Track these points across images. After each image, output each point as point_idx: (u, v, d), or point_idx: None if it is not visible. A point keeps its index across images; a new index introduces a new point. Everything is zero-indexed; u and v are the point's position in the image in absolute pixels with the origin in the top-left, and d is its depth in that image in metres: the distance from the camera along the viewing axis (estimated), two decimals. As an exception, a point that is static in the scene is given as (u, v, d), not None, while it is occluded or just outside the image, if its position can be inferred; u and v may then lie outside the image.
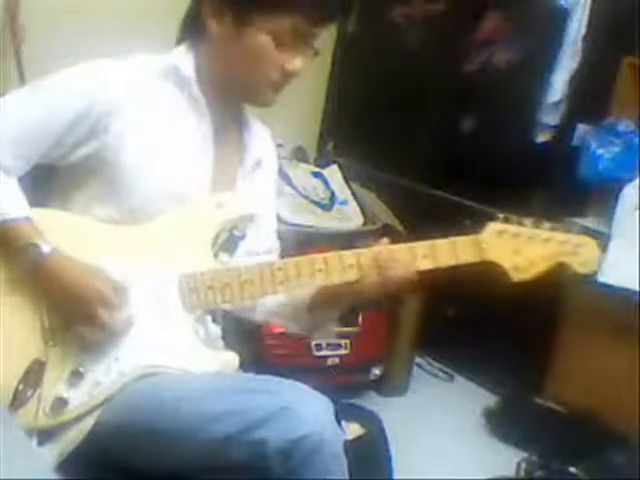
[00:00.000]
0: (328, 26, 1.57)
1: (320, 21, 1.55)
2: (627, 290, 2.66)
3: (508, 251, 1.51)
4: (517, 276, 1.51)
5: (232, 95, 1.62)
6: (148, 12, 2.95)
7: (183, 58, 1.59)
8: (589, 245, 1.52)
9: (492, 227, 1.52)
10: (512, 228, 1.52)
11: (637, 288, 2.65)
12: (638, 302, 2.67)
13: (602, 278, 2.58)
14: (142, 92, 1.55)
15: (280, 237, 1.80)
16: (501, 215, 1.54)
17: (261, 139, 1.73)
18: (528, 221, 1.53)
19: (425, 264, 1.52)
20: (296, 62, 1.55)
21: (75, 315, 1.48)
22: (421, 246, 1.52)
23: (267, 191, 1.76)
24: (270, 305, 1.71)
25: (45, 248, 1.45)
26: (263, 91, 1.58)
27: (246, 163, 1.68)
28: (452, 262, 1.52)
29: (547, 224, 1.53)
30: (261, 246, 1.71)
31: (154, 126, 1.55)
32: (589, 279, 1.60)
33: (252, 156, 1.69)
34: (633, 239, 2.71)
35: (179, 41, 1.63)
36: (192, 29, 1.60)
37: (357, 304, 1.65)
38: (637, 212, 2.77)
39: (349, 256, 1.52)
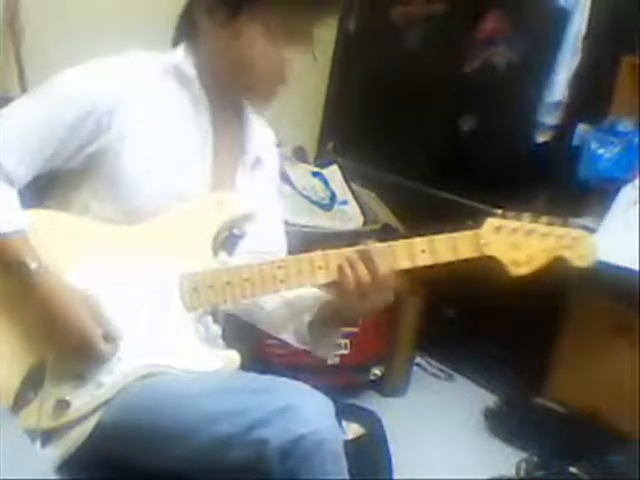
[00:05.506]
0: (325, 23, 1.55)
1: (316, 17, 1.53)
2: (621, 268, 2.63)
3: (507, 246, 1.51)
4: (516, 271, 1.51)
5: (232, 92, 1.61)
6: (148, 13, 2.96)
7: (184, 58, 1.58)
8: (587, 239, 1.52)
9: (490, 222, 1.52)
10: (510, 223, 1.52)
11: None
12: (638, 295, 2.65)
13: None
14: (143, 90, 1.55)
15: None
16: (499, 211, 1.54)
17: (261, 137, 1.73)
18: (526, 216, 1.53)
19: (424, 260, 1.52)
20: (291, 58, 1.53)
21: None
22: (420, 242, 1.52)
23: (269, 191, 1.75)
24: (274, 317, 1.70)
25: (32, 266, 1.44)
26: (260, 84, 1.57)
27: (246, 160, 1.68)
28: (451, 258, 1.52)
29: (545, 218, 1.53)
30: (265, 247, 1.68)
31: (155, 124, 1.55)
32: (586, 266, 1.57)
33: (252, 153, 1.69)
34: (632, 235, 2.71)
35: (175, 43, 1.63)
36: (187, 30, 1.60)
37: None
38: (637, 206, 2.76)
39: (350, 253, 1.52)
